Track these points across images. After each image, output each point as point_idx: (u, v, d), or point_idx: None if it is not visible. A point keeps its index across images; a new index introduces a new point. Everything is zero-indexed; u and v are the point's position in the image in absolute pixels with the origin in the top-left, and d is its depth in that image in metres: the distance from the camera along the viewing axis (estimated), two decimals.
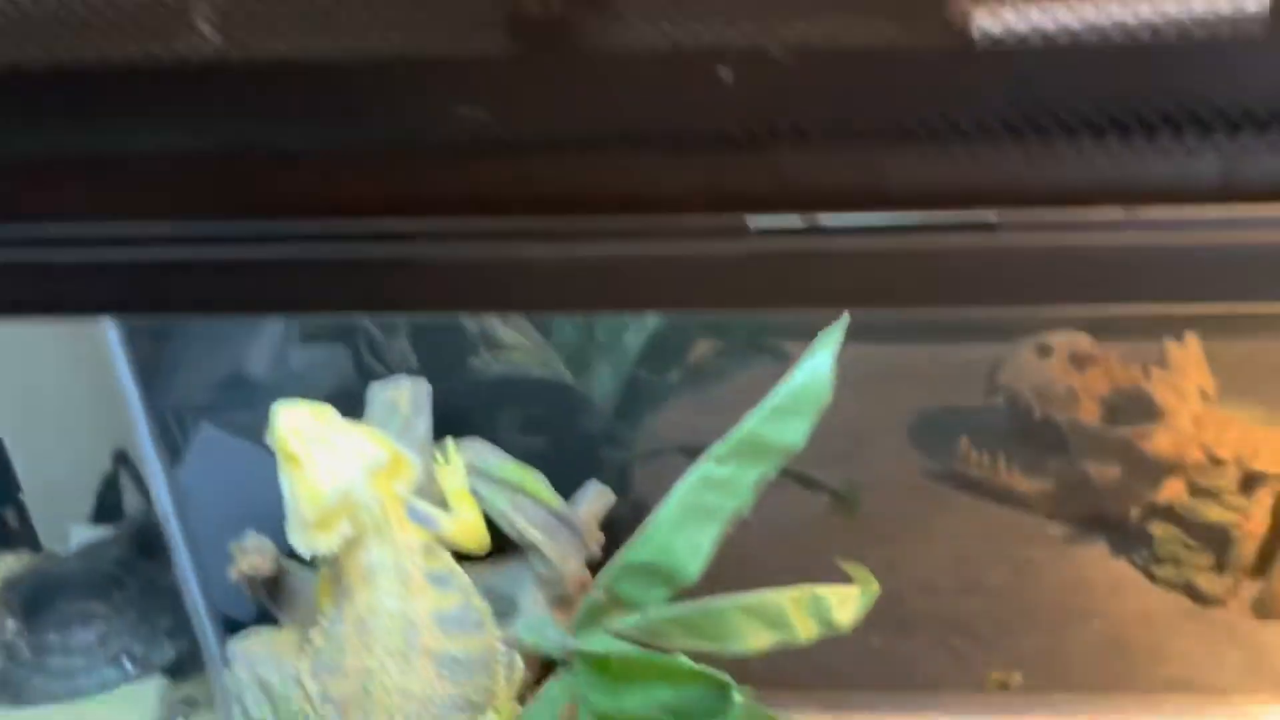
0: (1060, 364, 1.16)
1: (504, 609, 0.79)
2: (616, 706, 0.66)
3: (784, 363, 1.29)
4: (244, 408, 1.02)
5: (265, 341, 1.03)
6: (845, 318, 0.69)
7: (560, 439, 0.92)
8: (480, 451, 0.79)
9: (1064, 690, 0.97)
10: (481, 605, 0.70)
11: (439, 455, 0.77)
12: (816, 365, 0.69)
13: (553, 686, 0.73)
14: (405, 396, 0.76)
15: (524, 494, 0.78)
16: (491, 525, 0.78)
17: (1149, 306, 1.19)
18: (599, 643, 0.71)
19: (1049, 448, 1.18)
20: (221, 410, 1.04)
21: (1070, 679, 0.98)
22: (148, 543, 1.04)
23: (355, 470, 0.67)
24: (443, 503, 0.76)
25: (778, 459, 0.70)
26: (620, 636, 0.77)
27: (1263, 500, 1.03)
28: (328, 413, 0.69)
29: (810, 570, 1.12)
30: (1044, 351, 1.18)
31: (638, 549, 0.70)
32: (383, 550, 0.68)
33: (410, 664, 0.66)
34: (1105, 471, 1.12)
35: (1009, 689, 0.97)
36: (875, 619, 1.06)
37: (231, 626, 0.91)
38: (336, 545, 0.67)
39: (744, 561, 1.12)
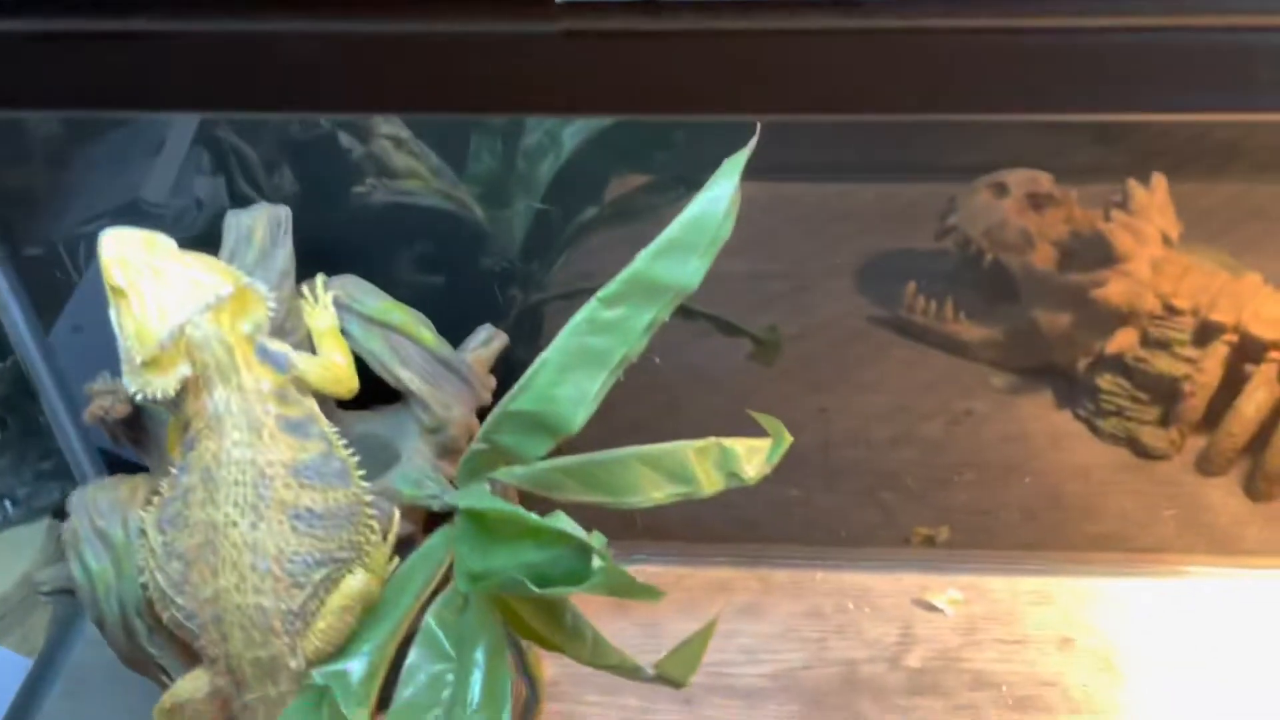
0: (1016, 204, 1.08)
1: (388, 459, 0.73)
2: (485, 566, 0.60)
3: None
4: None
5: (162, 168, 0.94)
6: (753, 141, 0.61)
7: (459, 278, 0.84)
8: (354, 289, 0.71)
9: (991, 547, 0.93)
10: (346, 455, 0.64)
11: (306, 293, 0.70)
12: (714, 197, 0.61)
13: (434, 540, 0.68)
14: (261, 225, 0.67)
15: (403, 336, 0.70)
16: (371, 371, 0.71)
17: (1116, 149, 1.11)
18: (473, 497, 0.65)
19: (998, 294, 1.12)
20: None
21: (999, 535, 0.94)
22: (28, 383, 0.97)
23: (192, 305, 0.60)
24: (310, 345, 0.68)
25: (671, 300, 0.63)
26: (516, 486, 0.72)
27: (1216, 352, 0.97)
28: (160, 241, 0.61)
29: (745, 419, 1.07)
30: (1000, 191, 1.09)
31: (518, 397, 0.64)
32: (229, 394, 0.61)
33: (262, 517, 0.60)
34: (1055, 319, 1.06)
35: (935, 545, 0.93)
36: (802, 471, 1.01)
37: (129, 468, 0.86)
38: (173, 388, 0.60)
39: (676, 409, 1.07)
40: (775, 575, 0.92)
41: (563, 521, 0.57)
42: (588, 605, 0.91)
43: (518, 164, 0.90)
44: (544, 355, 0.64)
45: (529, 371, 0.64)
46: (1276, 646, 0.84)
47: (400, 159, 0.84)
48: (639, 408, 1.07)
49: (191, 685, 0.64)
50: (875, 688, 0.83)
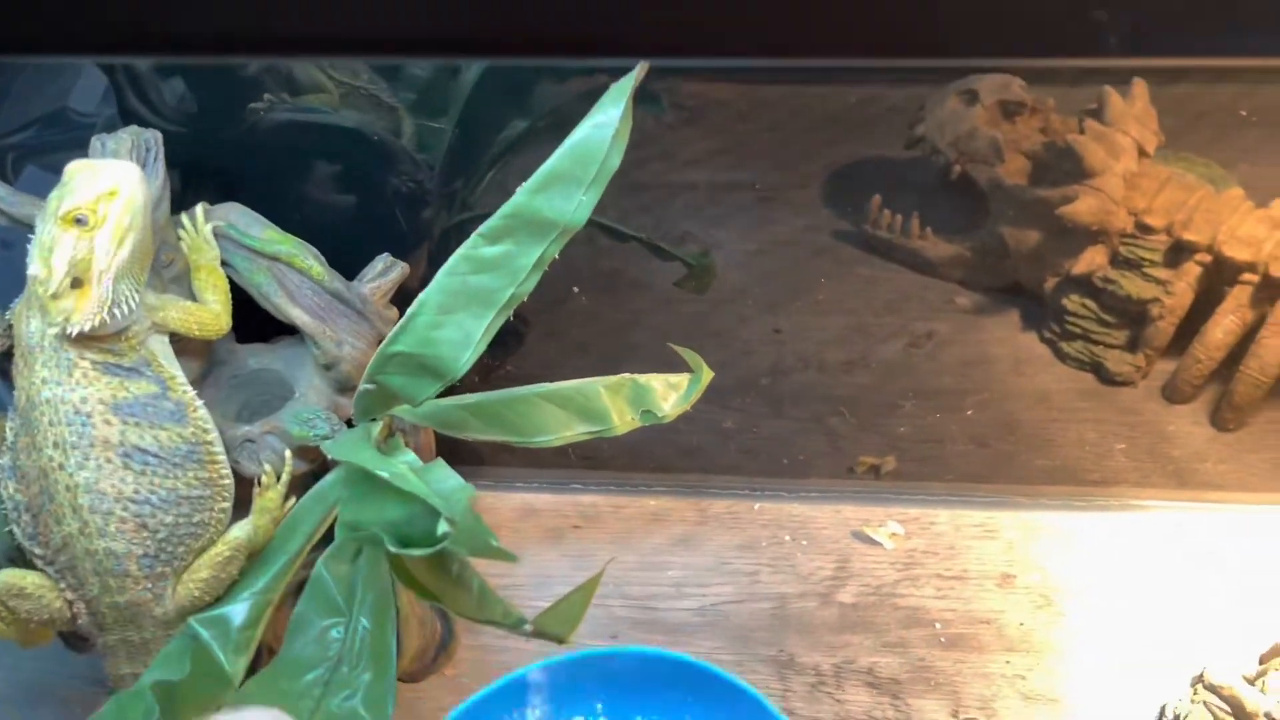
0: (987, 112, 1.02)
1: (285, 394, 0.70)
2: (355, 518, 0.58)
3: (665, 123, 1.15)
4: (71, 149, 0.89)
5: (90, 75, 0.90)
6: (640, 68, 0.56)
7: (370, 202, 0.80)
8: (237, 219, 0.67)
9: (938, 479, 0.89)
10: (183, 394, 0.61)
11: (186, 223, 0.66)
12: (598, 124, 0.56)
13: (327, 480, 0.66)
14: (126, 150, 0.63)
15: (291, 269, 0.67)
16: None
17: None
18: (345, 444, 0.62)
19: (966, 209, 1.06)
20: (46, 152, 0.93)
21: (948, 466, 0.91)
22: None
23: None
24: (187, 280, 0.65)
25: (560, 236, 0.58)
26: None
27: (1188, 273, 0.92)
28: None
29: (700, 339, 1.03)
30: (970, 98, 1.03)
31: (397, 339, 0.60)
32: (41, 330, 0.58)
33: (88, 457, 0.58)
34: (1023, 236, 1.00)
35: (880, 475, 0.90)
36: (751, 396, 0.98)
37: None
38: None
39: (629, 330, 1.04)
40: (713, 506, 0.89)
41: (413, 480, 0.53)
42: (517, 537, 0.89)
43: (449, 69, 0.84)
44: (423, 295, 0.60)
45: (409, 311, 0.60)
46: (1218, 580, 0.81)
47: (307, 74, 0.79)
48: (591, 329, 1.04)
49: (36, 581, 0.62)
50: (804, 624, 0.81)
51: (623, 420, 0.71)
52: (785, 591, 0.83)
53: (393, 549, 0.53)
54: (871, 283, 1.07)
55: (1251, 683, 0.70)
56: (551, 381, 0.71)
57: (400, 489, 0.53)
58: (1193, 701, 0.70)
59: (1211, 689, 0.65)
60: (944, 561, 0.84)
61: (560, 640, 0.57)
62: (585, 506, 0.90)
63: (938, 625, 0.80)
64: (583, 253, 1.07)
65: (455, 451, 0.73)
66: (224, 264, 0.66)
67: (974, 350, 1.00)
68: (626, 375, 0.71)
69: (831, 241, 1.11)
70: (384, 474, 0.53)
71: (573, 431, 0.70)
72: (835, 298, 1.06)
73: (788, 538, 0.87)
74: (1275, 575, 0.81)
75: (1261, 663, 0.74)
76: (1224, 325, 0.90)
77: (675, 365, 0.77)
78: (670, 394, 0.73)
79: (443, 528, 0.50)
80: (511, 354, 0.99)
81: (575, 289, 0.99)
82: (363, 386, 0.64)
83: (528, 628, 0.56)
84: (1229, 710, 0.65)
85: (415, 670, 0.78)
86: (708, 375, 0.74)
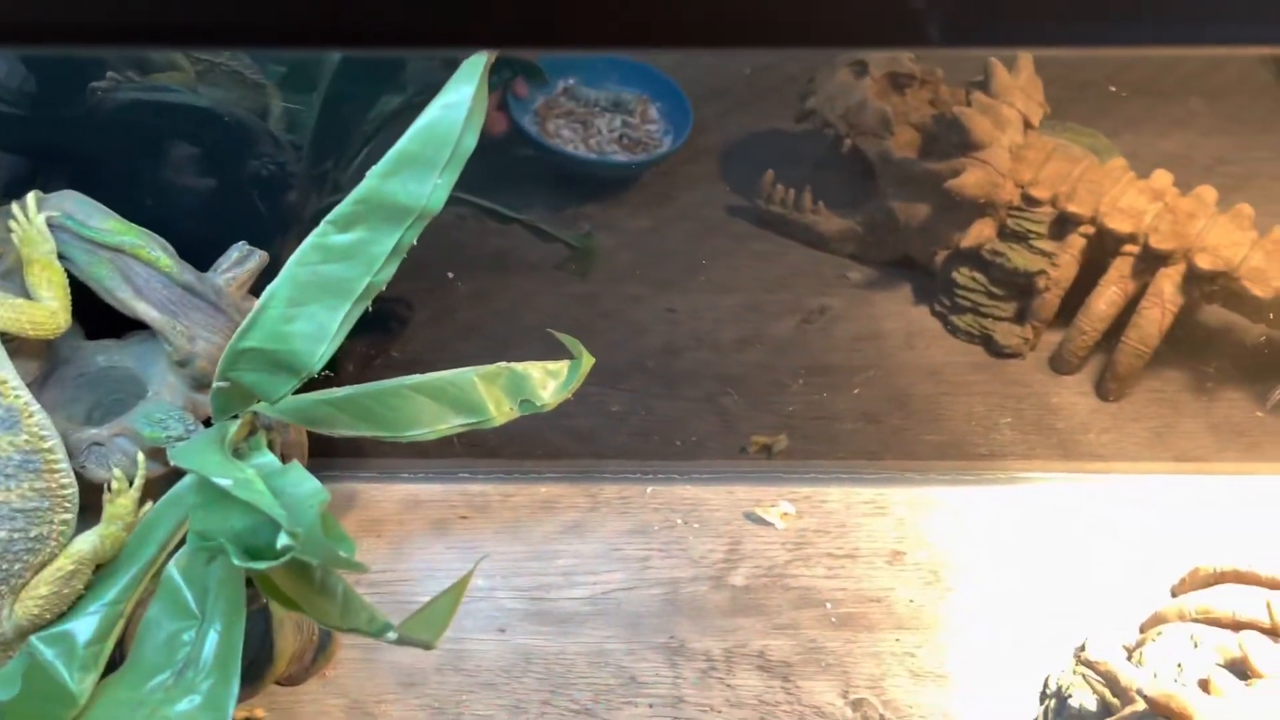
0: (877, 84, 1.01)
1: (138, 393, 0.66)
2: (204, 525, 0.55)
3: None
4: None
5: None
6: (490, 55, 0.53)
7: (229, 187, 0.76)
8: (74, 209, 0.62)
9: (830, 457, 0.89)
10: (15, 399, 0.57)
11: (17, 213, 0.61)
12: (449, 104, 0.53)
13: (182, 484, 0.62)
14: None
15: (137, 261, 0.63)
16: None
17: None
18: (190, 450, 0.59)
19: (857, 182, 1.05)
20: None
21: (840, 443, 0.90)
22: None
23: None
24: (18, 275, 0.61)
25: (416, 222, 0.55)
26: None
27: (1073, 245, 0.92)
28: None
29: (592, 320, 1.01)
30: (860, 70, 1.02)
31: (247, 333, 0.57)
32: None
33: None
34: (912, 210, 1.00)
35: (772, 454, 0.89)
36: (642, 377, 0.96)
37: None
38: None
39: (516, 314, 1.01)
40: (605, 491, 0.87)
41: (255, 489, 0.50)
42: (402, 530, 0.87)
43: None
44: (272, 286, 0.57)
45: (257, 304, 0.57)
46: (1103, 551, 0.82)
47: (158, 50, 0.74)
48: (479, 312, 1.01)
49: None
50: (696, 608, 0.80)
51: (500, 410, 0.69)
52: (677, 576, 0.82)
53: (237, 561, 0.50)
54: (765, 258, 1.06)
55: (1130, 653, 0.70)
56: (439, 368, 0.68)
57: (244, 504, 0.50)
58: (1074, 673, 0.71)
59: (1088, 664, 0.65)
60: (835, 540, 0.84)
61: (427, 647, 0.55)
62: (473, 496, 0.88)
63: (828, 605, 0.80)
64: (471, 235, 1.04)
65: (333, 444, 0.70)
66: (61, 257, 0.62)
67: (866, 325, 1.00)
68: (503, 364, 0.69)
69: (725, 217, 1.10)
70: (224, 483, 0.50)
71: (447, 424, 0.67)
72: (729, 275, 1.04)
73: (680, 521, 0.85)
74: (1157, 544, 0.82)
75: (1141, 631, 0.75)
76: (1107, 296, 0.91)
77: (566, 348, 0.75)
78: (549, 381, 0.70)
79: (284, 540, 0.47)
80: (395, 340, 0.96)
81: (451, 274, 0.96)
82: (216, 384, 0.61)
83: (392, 635, 0.54)
84: (1105, 684, 0.65)
85: (294, 673, 0.75)
86: (588, 361, 0.72)
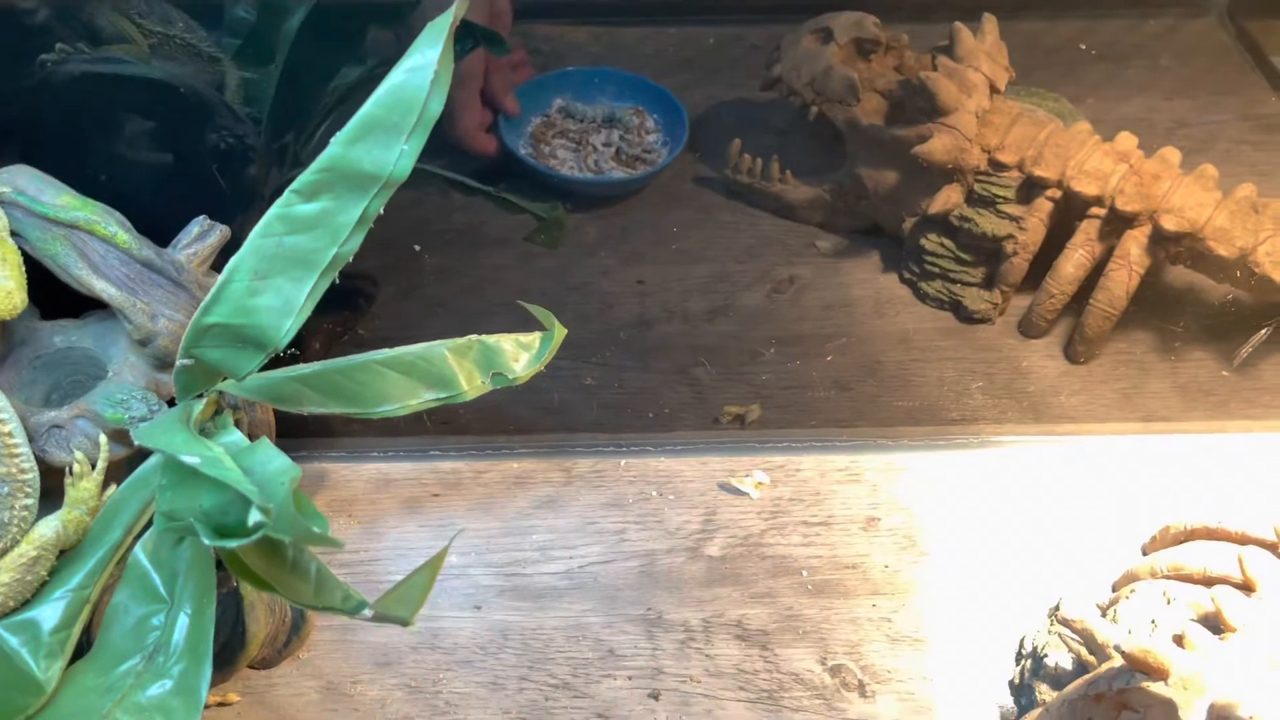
0: (842, 51, 1.00)
1: (98, 374, 0.65)
2: (171, 507, 0.53)
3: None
4: None
5: None
6: (458, 6, 0.51)
7: (187, 161, 0.74)
8: (26, 183, 0.61)
9: (803, 425, 0.89)
10: None
11: None
12: (414, 67, 0.52)
13: (147, 464, 0.61)
14: None
15: (93, 237, 0.61)
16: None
17: None
18: (154, 430, 0.57)
19: (825, 150, 1.05)
20: None
21: (812, 411, 0.90)
22: None
23: None
24: None
25: (383, 189, 0.54)
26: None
27: (1040, 209, 0.92)
28: None
29: (561, 291, 1.00)
30: (825, 36, 1.01)
31: (211, 308, 0.56)
32: None
33: None
34: (880, 177, 0.99)
35: (745, 424, 0.89)
36: (614, 350, 0.95)
37: None
38: None
39: (484, 287, 1.00)
40: (579, 465, 0.87)
41: (224, 466, 0.49)
42: (374, 510, 0.86)
43: (274, 12, 0.78)
44: (235, 259, 0.55)
45: (220, 278, 0.56)
46: (1075, 511, 0.82)
47: (110, 20, 0.72)
48: (448, 286, 0.99)
49: None
50: (673, 580, 0.80)
51: (472, 385, 0.68)
52: (653, 548, 0.82)
53: (207, 540, 0.48)
54: (733, 229, 1.05)
55: (1104, 611, 0.71)
56: (407, 344, 0.67)
57: (213, 480, 0.49)
58: (1049, 633, 0.71)
59: (1064, 623, 0.66)
60: (810, 508, 0.84)
61: (404, 623, 0.54)
62: (445, 473, 0.87)
63: (804, 573, 0.80)
64: (436, 208, 1.03)
65: (302, 422, 0.68)
66: (14, 235, 0.60)
67: (836, 293, 1.00)
68: (474, 337, 0.68)
69: (693, 188, 1.09)
70: (192, 460, 0.49)
71: (418, 399, 0.66)
72: (698, 245, 1.04)
73: (655, 493, 0.85)
74: (1128, 503, 0.83)
75: (1114, 590, 0.75)
76: (1074, 259, 0.91)
77: (536, 321, 0.74)
78: (522, 354, 0.70)
79: (255, 516, 0.46)
80: (362, 317, 0.94)
81: (417, 247, 0.94)
82: (180, 362, 0.59)
83: (368, 613, 0.53)
84: (1081, 642, 0.66)
85: (268, 656, 0.74)
86: (560, 333, 0.71)
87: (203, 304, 0.56)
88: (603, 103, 1.11)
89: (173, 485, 0.54)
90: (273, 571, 0.56)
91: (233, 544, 0.47)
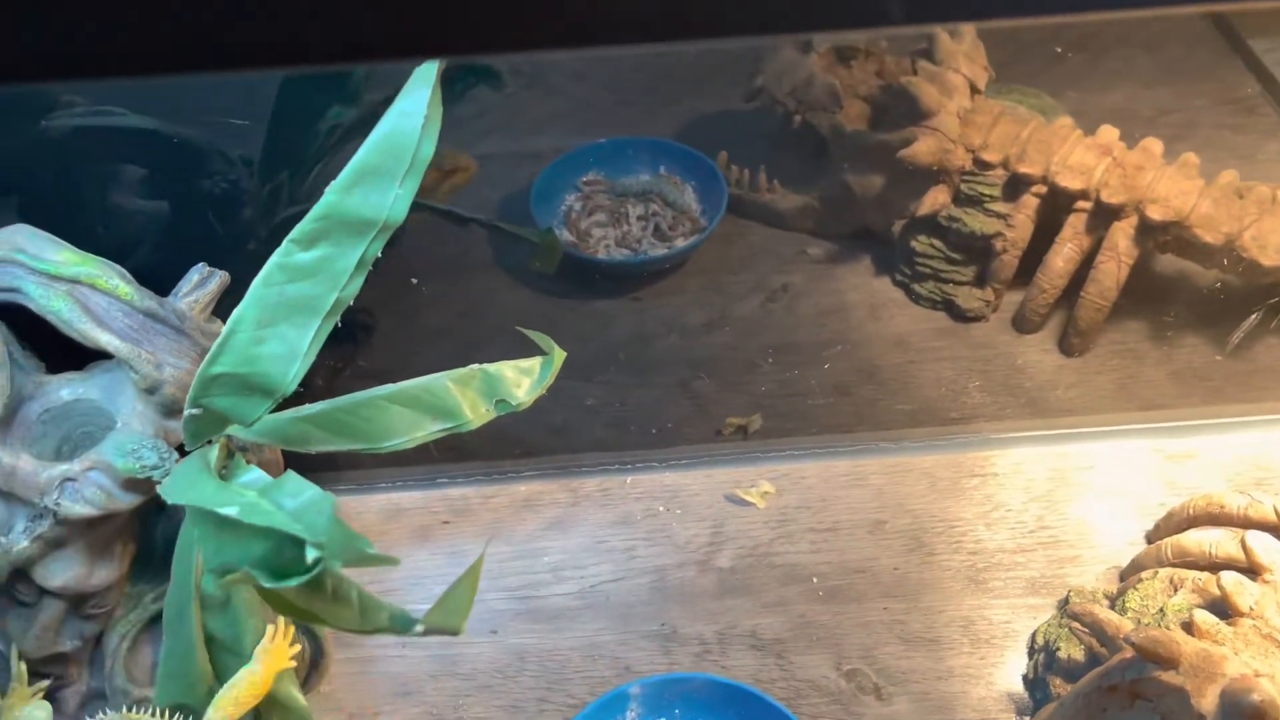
0: (823, 59, 1.01)
1: (106, 425, 0.65)
2: (221, 560, 0.53)
3: (504, 91, 1.12)
4: None
5: None
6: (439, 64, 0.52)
7: (178, 211, 0.75)
8: (25, 242, 0.61)
9: (804, 433, 0.90)
10: None
11: None
12: (404, 111, 0.53)
13: (189, 526, 0.61)
14: None
15: (95, 290, 0.62)
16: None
17: None
18: (177, 485, 0.58)
19: (811, 158, 1.06)
20: None
21: (813, 419, 0.91)
22: None
23: None
24: None
25: (379, 235, 0.55)
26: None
27: (1027, 205, 0.93)
28: None
29: (556, 317, 1.01)
30: (805, 45, 1.02)
31: (217, 359, 0.56)
32: None
33: None
34: (867, 182, 1.00)
35: (747, 435, 0.90)
36: (614, 368, 0.96)
37: None
38: None
39: (482, 314, 1.00)
40: (585, 484, 0.88)
41: (264, 509, 0.50)
42: (386, 540, 0.86)
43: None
44: (239, 310, 0.56)
45: (225, 329, 0.56)
46: (1079, 503, 0.83)
47: None
48: (445, 315, 1.00)
49: None
50: (685, 594, 0.80)
51: (476, 413, 0.68)
52: (663, 563, 0.82)
53: (268, 584, 0.49)
54: (725, 239, 1.06)
55: (1113, 601, 0.72)
56: (410, 375, 0.68)
57: (257, 529, 0.50)
58: (1060, 626, 0.72)
59: (1074, 616, 0.67)
60: (816, 515, 0.84)
61: (454, 633, 0.54)
62: (454, 500, 0.88)
63: (815, 580, 0.81)
64: (430, 239, 1.03)
65: (308, 458, 0.69)
66: (17, 292, 0.60)
67: (830, 300, 1.01)
68: (476, 366, 0.69)
69: None
70: (230, 512, 0.50)
71: (424, 431, 0.67)
72: (690, 258, 1.05)
73: (662, 508, 0.86)
74: (1130, 492, 0.84)
75: (1122, 579, 0.76)
76: (1063, 253, 0.92)
77: (535, 345, 0.75)
78: (523, 380, 0.70)
79: (313, 553, 0.46)
80: (362, 350, 0.95)
81: (415, 280, 0.95)
82: (188, 412, 0.60)
83: (419, 629, 0.53)
84: (1092, 634, 0.67)
85: None
86: (560, 356, 0.72)
87: (209, 354, 0.57)
88: (635, 173, 1.08)
89: (212, 537, 0.55)
90: (314, 603, 0.57)
91: (293, 583, 0.47)
